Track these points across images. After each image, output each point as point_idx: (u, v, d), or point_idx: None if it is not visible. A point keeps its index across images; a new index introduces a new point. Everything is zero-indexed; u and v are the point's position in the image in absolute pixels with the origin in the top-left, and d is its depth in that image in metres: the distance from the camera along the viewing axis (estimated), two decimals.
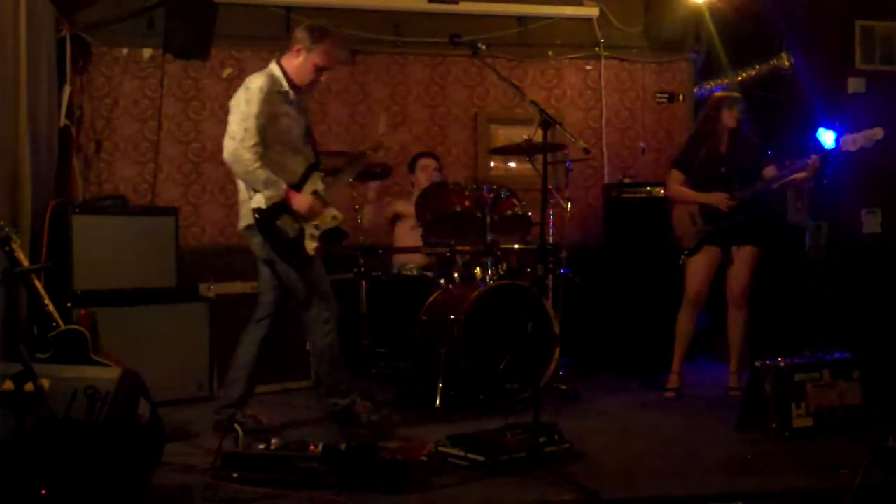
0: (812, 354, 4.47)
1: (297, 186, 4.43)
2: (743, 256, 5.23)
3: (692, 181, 5.30)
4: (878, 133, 4.85)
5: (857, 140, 4.88)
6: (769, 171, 5.18)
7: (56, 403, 3.14)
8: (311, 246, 4.41)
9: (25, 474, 3.03)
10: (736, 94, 5.41)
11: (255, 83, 4.37)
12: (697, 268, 5.27)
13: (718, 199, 5.17)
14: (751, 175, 5.17)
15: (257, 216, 4.31)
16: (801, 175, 5.03)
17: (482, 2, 6.76)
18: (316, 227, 4.44)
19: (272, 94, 4.39)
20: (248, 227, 4.40)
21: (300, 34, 4.49)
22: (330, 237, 4.54)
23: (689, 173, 5.30)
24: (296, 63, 4.48)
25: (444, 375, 4.87)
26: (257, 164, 4.27)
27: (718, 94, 5.60)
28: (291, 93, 4.47)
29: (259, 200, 4.31)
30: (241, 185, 4.46)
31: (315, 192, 4.48)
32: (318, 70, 4.49)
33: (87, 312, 4.15)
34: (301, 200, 4.40)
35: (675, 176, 5.38)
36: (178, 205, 6.07)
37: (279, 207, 4.34)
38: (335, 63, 4.65)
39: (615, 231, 6.31)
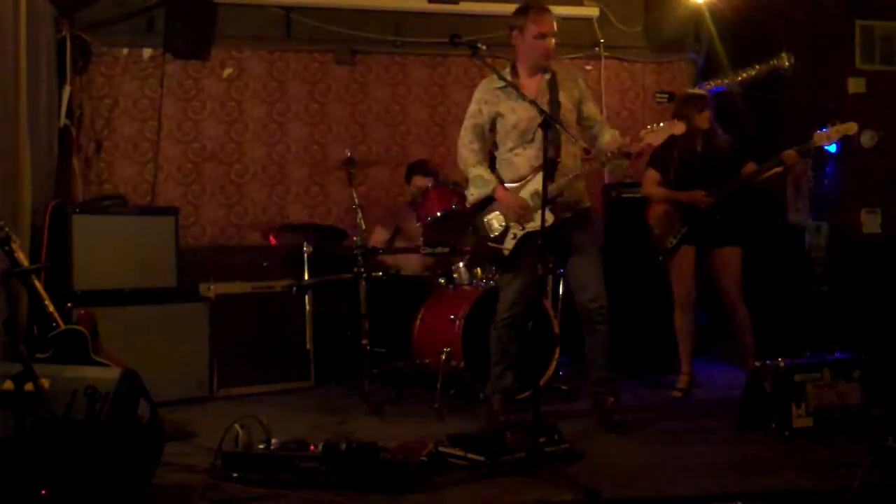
0: (812, 354, 4.47)
1: (518, 186, 4.32)
2: (725, 259, 5.17)
3: (669, 181, 5.28)
4: (850, 128, 4.87)
5: (830, 136, 4.89)
6: (749, 167, 5.15)
7: (56, 403, 3.14)
8: (508, 245, 4.38)
9: (25, 474, 3.03)
10: (704, 94, 5.36)
11: (480, 85, 4.49)
12: (680, 269, 5.24)
13: (696, 196, 5.13)
14: (728, 173, 5.12)
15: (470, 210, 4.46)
16: (779, 169, 5.02)
17: (482, 2, 6.74)
18: (522, 228, 4.34)
19: (490, 91, 4.42)
20: None
21: (509, 21, 4.47)
22: (530, 240, 4.33)
23: (666, 173, 5.27)
24: (519, 50, 4.44)
25: (444, 375, 4.87)
26: (471, 163, 4.43)
27: (687, 93, 5.49)
28: (516, 85, 4.33)
29: (470, 195, 4.49)
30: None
31: (534, 193, 4.30)
32: (540, 38, 4.35)
33: (87, 312, 4.15)
34: (505, 199, 4.36)
35: (652, 175, 5.33)
36: (178, 205, 6.07)
37: (485, 204, 4.43)
38: (550, 27, 4.41)
39: (615, 231, 6.29)
